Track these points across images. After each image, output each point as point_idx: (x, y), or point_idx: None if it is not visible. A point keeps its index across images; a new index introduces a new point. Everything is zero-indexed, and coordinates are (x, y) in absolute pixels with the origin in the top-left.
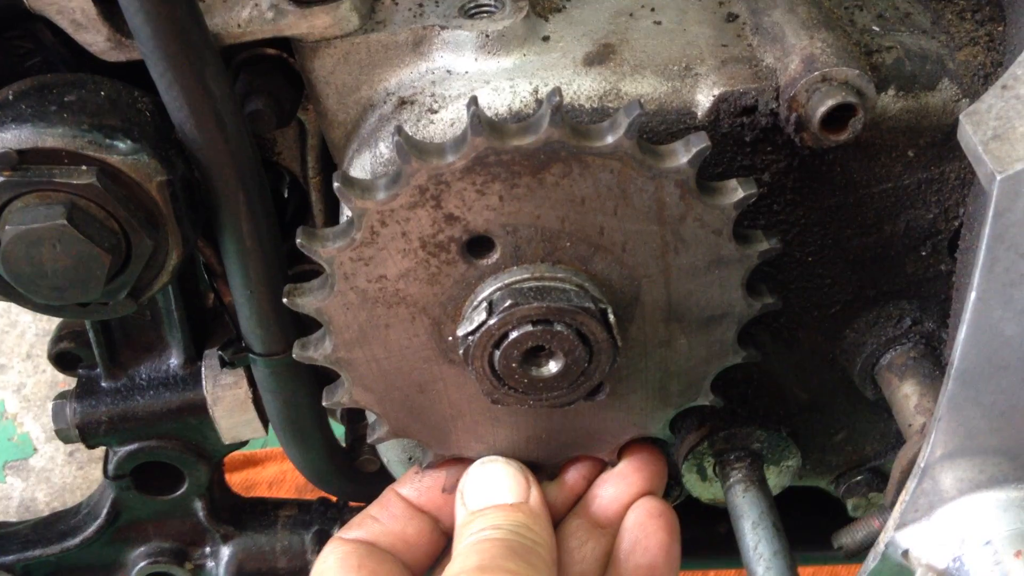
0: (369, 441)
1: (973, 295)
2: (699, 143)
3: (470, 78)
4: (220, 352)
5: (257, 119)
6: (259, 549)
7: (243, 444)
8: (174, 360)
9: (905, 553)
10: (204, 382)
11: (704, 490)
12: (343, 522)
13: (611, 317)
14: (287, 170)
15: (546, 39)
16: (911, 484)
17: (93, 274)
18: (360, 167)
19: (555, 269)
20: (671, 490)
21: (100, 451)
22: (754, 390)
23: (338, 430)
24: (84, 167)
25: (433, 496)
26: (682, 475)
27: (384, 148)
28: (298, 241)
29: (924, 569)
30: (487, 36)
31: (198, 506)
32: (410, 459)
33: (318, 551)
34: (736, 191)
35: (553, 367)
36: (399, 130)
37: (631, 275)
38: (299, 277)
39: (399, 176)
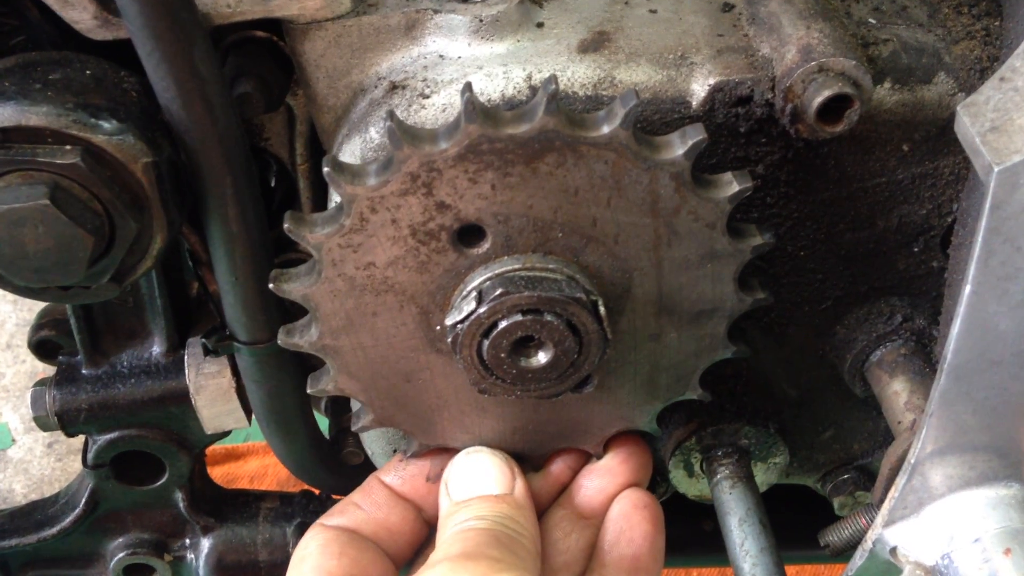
0: (353, 429)
1: (968, 289)
2: (695, 135)
3: (463, 63)
4: (203, 340)
5: (245, 102)
6: (240, 541)
7: (225, 435)
8: (156, 348)
9: (893, 550)
10: (187, 370)
11: (691, 486)
12: None
13: (602, 309)
14: (275, 157)
15: (540, 25)
16: (900, 480)
17: (75, 256)
18: (350, 152)
19: (546, 260)
20: (657, 486)
21: (79, 443)
22: (743, 386)
23: (322, 422)
24: (68, 147)
25: (417, 485)
26: (669, 471)
27: (375, 133)
28: (286, 226)
29: (912, 567)
30: (481, 21)
31: (178, 497)
32: (395, 451)
33: None
34: (731, 185)
35: (542, 358)
36: (391, 115)
37: (623, 267)
38: (285, 266)
39: (390, 162)
